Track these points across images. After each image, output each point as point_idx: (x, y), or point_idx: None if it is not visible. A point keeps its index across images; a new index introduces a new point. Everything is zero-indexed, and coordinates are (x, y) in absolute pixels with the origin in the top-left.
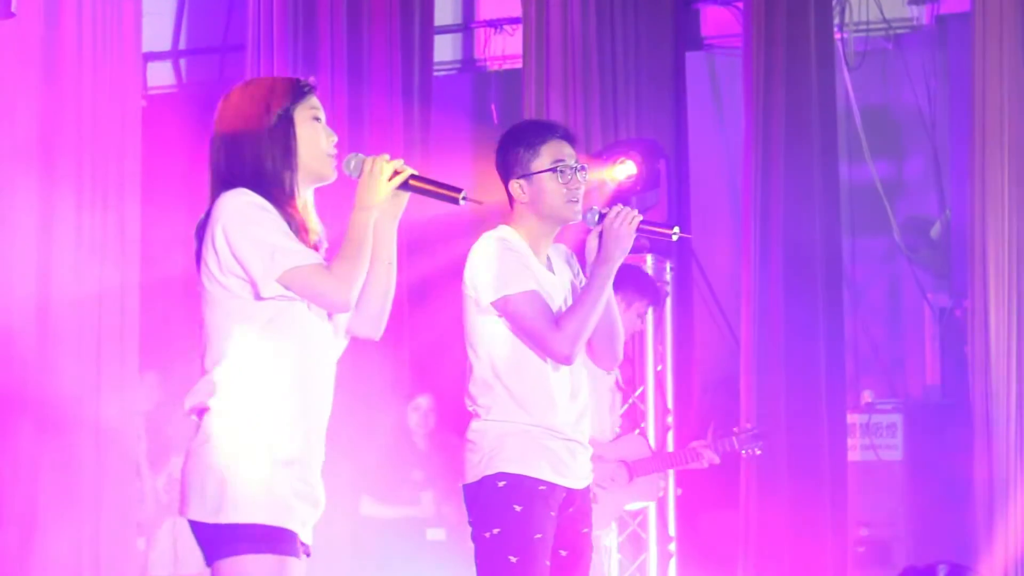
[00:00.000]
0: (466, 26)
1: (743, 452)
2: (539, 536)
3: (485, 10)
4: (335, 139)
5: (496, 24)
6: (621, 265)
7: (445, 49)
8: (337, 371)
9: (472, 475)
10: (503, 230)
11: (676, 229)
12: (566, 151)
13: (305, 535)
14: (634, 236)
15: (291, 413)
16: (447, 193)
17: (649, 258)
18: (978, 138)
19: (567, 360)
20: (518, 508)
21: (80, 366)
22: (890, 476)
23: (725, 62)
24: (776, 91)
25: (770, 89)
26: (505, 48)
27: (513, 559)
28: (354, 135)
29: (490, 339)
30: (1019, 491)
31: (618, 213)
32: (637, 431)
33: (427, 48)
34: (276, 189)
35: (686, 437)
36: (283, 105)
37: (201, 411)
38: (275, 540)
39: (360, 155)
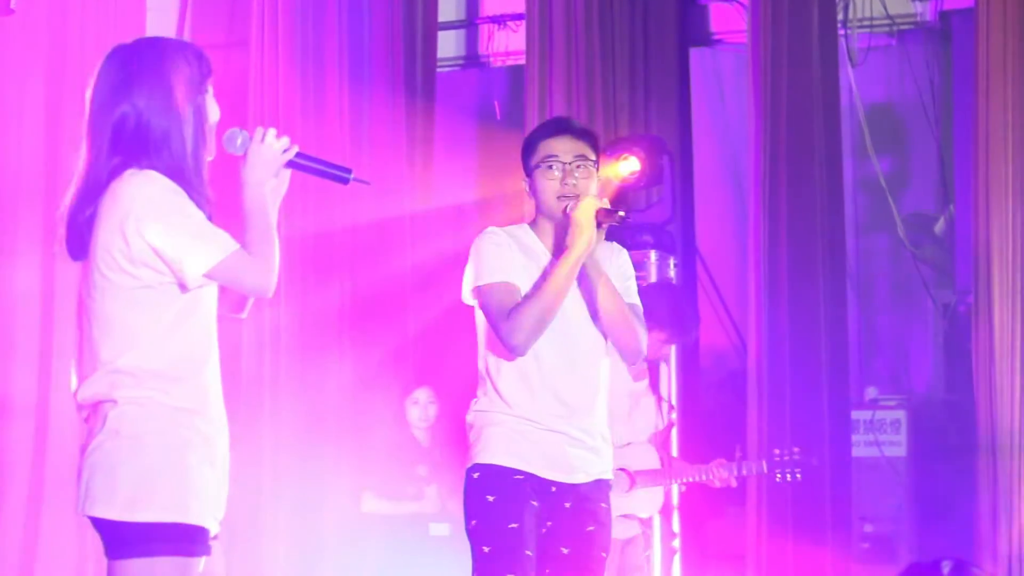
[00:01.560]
0: (470, 22)
1: (777, 476)
2: (514, 525)
3: (489, 6)
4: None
5: (500, 20)
6: (667, 288)
7: (449, 45)
8: (339, 367)
9: (465, 468)
10: (514, 226)
11: (620, 213)
12: (561, 146)
13: (215, 527)
14: (592, 225)
15: (204, 401)
16: (335, 172)
17: (653, 254)
18: (982, 134)
19: (516, 351)
20: (491, 499)
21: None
22: (894, 472)
23: (730, 58)
24: (780, 87)
25: (774, 85)
26: (508, 44)
27: (487, 549)
28: (356, 131)
29: (481, 332)
30: (1023, 487)
31: (578, 203)
32: (647, 440)
33: (430, 44)
34: (193, 171)
35: (690, 434)
36: (203, 82)
37: (100, 403)
38: (190, 540)
39: (244, 131)
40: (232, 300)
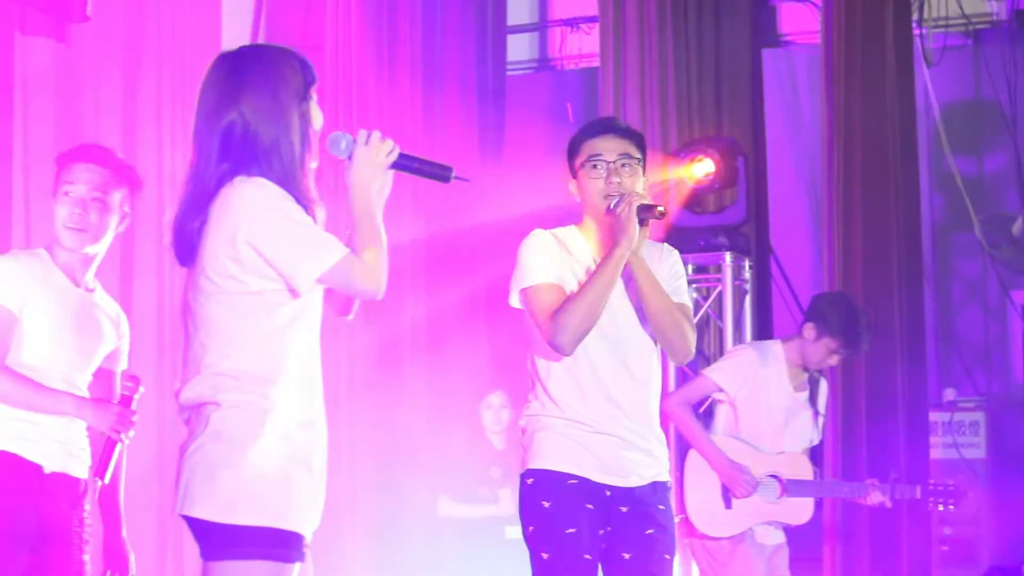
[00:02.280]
0: (542, 25)
1: (930, 504)
2: (571, 531)
3: (561, 9)
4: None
5: (572, 23)
6: (843, 298)
7: (521, 49)
8: (413, 373)
9: (519, 474)
10: (561, 228)
11: (660, 208)
12: (606, 145)
13: (311, 535)
14: (635, 222)
15: (305, 407)
16: (436, 171)
17: (728, 256)
18: None
19: (562, 351)
20: (546, 504)
21: (152, 367)
22: (973, 475)
23: (803, 59)
24: (854, 88)
25: (848, 86)
26: (581, 47)
27: (545, 555)
28: (430, 136)
29: (528, 334)
30: None
31: (621, 200)
32: (802, 452)
33: (499, 47)
34: (301, 176)
35: None
36: (307, 88)
37: (203, 405)
38: (285, 545)
39: (348, 135)
40: (339, 303)
